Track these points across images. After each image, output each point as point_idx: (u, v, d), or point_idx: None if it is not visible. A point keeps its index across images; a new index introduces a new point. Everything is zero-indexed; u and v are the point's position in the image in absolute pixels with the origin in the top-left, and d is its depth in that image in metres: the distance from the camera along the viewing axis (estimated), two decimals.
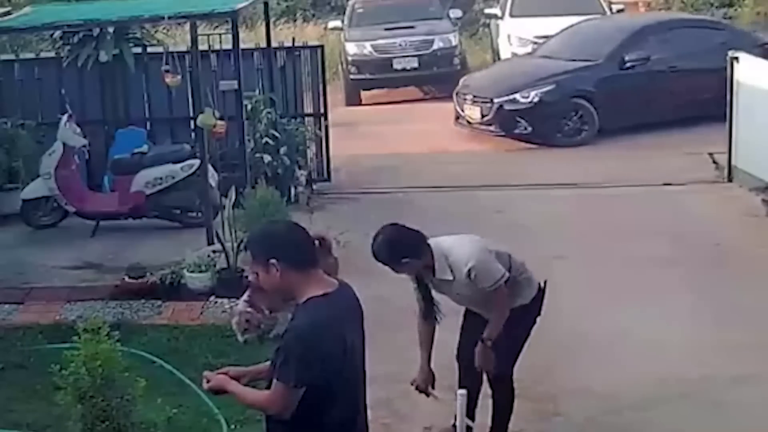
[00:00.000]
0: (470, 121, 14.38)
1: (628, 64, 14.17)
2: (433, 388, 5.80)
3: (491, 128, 14.13)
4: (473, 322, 5.83)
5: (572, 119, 13.81)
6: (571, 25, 15.70)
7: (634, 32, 14.71)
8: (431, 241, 5.50)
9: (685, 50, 14.36)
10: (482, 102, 14.16)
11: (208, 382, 4.07)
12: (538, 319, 5.90)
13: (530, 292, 5.79)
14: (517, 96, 13.87)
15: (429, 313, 5.67)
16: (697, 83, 14.03)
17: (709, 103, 13.91)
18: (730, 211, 10.48)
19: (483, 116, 14.15)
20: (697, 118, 13.65)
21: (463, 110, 14.50)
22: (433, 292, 5.70)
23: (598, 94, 13.93)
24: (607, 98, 13.90)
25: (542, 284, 5.87)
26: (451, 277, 5.47)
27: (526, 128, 13.78)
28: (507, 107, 13.89)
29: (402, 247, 5.40)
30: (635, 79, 14.16)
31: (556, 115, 13.77)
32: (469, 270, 5.42)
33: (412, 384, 5.82)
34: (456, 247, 5.51)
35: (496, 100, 13.97)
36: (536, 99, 13.81)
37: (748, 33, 15.94)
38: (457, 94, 14.69)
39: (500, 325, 5.58)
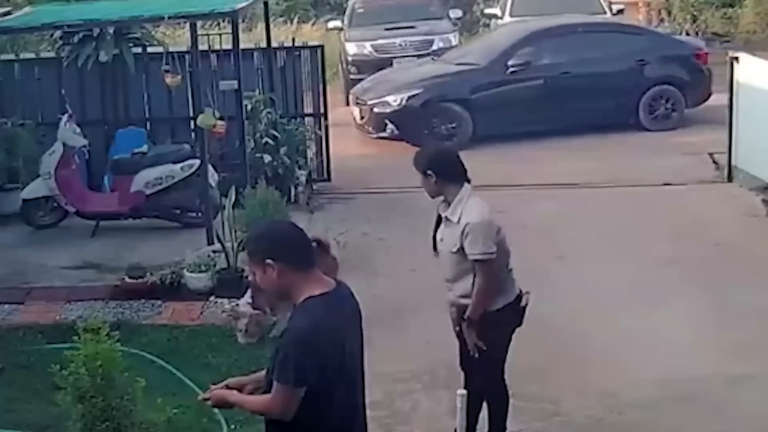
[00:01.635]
0: (358, 122, 14.47)
1: (511, 69, 13.83)
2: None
3: (369, 129, 14.20)
4: None
5: (444, 123, 13.62)
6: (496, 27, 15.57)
7: (523, 36, 14.31)
8: (467, 188, 5.57)
9: (587, 56, 13.90)
10: (361, 104, 14.31)
11: (207, 399, 4.09)
12: (518, 330, 5.77)
13: (511, 294, 5.71)
14: (388, 99, 13.92)
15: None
16: (598, 90, 13.69)
17: (614, 111, 13.78)
18: (730, 211, 10.47)
19: (362, 117, 14.29)
20: (602, 127, 13.51)
21: (352, 111, 14.65)
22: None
23: (474, 99, 13.67)
24: (486, 103, 13.61)
25: (523, 293, 5.75)
26: (455, 220, 5.54)
27: (393, 131, 13.80)
28: (376, 110, 13.97)
29: (438, 162, 5.57)
30: (521, 84, 13.75)
31: (423, 119, 13.62)
32: (467, 225, 5.49)
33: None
34: (477, 205, 5.58)
35: (369, 102, 14.09)
36: (403, 102, 13.80)
37: (677, 40, 15.56)
38: (352, 95, 14.83)
39: (481, 303, 5.53)
